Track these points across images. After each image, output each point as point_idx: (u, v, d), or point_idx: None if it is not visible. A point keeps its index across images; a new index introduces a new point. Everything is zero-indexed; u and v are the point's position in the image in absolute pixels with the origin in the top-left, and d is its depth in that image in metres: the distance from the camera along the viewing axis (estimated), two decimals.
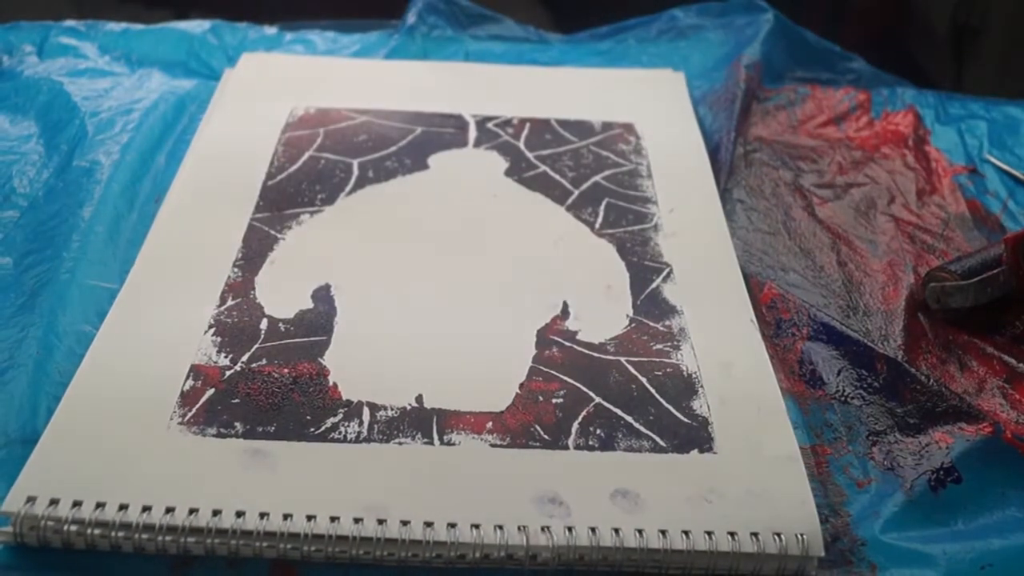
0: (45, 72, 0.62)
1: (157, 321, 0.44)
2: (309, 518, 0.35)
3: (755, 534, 0.36)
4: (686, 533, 0.36)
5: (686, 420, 0.41)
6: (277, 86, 0.62)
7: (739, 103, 0.62)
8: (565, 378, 0.42)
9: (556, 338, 0.44)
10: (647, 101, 0.63)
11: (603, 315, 0.46)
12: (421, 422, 0.40)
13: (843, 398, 0.44)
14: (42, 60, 0.64)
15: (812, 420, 0.43)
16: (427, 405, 0.40)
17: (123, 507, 0.35)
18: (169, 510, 0.35)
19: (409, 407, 0.40)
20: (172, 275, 0.46)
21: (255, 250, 0.48)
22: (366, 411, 0.40)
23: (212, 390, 0.40)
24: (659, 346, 0.44)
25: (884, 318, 0.48)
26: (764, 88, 0.66)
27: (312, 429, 0.39)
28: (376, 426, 0.39)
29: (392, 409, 0.40)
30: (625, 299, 0.47)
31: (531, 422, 0.40)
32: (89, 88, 0.61)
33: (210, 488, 0.36)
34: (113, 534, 0.34)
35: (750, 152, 0.60)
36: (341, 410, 0.40)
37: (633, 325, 0.45)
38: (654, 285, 0.48)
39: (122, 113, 0.59)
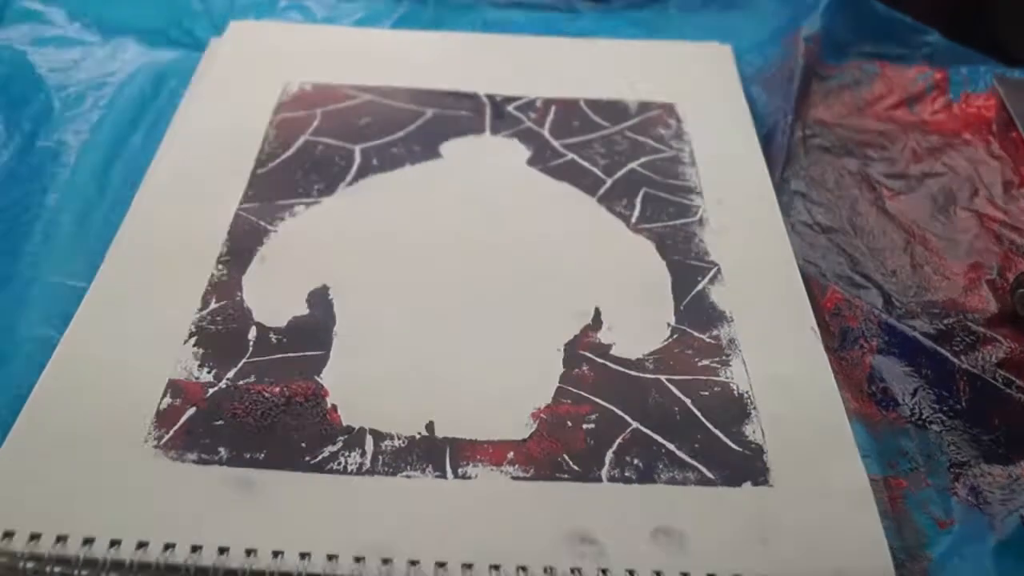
0: (6, 40, 0.62)
1: (130, 326, 0.44)
2: (303, 555, 0.35)
3: None
4: None
5: (737, 448, 0.40)
6: (269, 59, 0.62)
7: (797, 81, 0.62)
8: (597, 400, 0.42)
9: (587, 353, 0.44)
10: (690, 79, 0.63)
11: (641, 325, 0.45)
12: (432, 453, 0.39)
13: (920, 422, 0.43)
14: (2, 27, 0.64)
15: (884, 447, 0.43)
16: (439, 434, 0.40)
17: (88, 541, 0.35)
18: (141, 545, 0.35)
19: (419, 436, 0.40)
20: (148, 273, 0.46)
21: (242, 244, 0.48)
22: (369, 440, 0.40)
23: (193, 409, 0.40)
24: (705, 361, 0.44)
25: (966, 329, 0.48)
26: (826, 64, 0.66)
27: (307, 458, 0.39)
28: (381, 457, 0.39)
29: (399, 438, 0.40)
30: (666, 305, 0.46)
31: (558, 451, 0.40)
32: (56, 59, 0.61)
33: (189, 520, 0.36)
34: (76, 572, 0.34)
35: (810, 137, 0.61)
36: (341, 438, 0.40)
37: (675, 336, 0.45)
38: (699, 287, 0.48)
39: (93, 88, 0.59)
